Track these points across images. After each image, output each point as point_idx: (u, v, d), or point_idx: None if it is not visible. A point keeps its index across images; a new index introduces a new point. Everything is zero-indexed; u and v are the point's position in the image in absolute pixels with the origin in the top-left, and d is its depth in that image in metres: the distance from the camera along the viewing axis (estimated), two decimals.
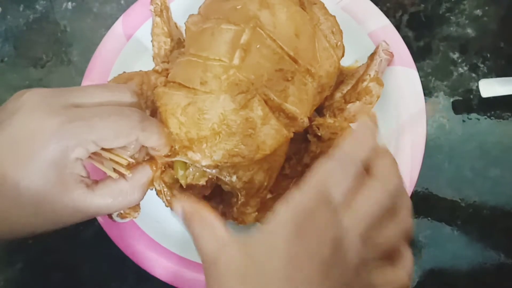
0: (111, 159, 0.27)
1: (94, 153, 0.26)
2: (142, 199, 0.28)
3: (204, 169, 0.28)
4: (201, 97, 0.28)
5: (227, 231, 0.22)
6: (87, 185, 0.26)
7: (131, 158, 0.27)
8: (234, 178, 0.28)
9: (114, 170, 0.27)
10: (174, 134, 0.29)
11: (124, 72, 0.37)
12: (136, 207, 0.32)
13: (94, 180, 0.27)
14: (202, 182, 0.29)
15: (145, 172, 0.28)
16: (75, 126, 0.24)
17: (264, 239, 0.21)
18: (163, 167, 0.29)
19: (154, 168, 0.28)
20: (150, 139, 0.27)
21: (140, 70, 0.37)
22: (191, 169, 0.28)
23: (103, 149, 0.26)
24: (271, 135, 0.29)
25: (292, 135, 0.30)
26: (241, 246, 0.21)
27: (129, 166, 0.27)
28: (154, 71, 0.37)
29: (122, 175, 0.27)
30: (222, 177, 0.28)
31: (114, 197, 0.26)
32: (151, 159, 0.29)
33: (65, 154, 0.24)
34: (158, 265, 0.34)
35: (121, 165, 0.26)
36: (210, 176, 0.29)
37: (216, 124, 0.28)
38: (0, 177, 0.23)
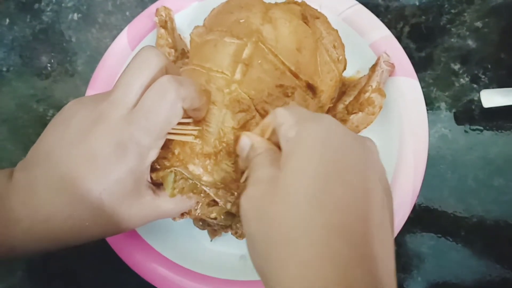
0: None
1: None
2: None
3: (204, 187, 0.27)
4: None
5: None
6: (153, 190, 0.26)
7: None
8: (228, 205, 0.27)
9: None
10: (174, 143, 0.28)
11: None
12: None
13: (156, 186, 0.27)
14: (189, 196, 0.28)
15: None
16: (143, 134, 0.24)
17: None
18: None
19: None
20: (193, 101, 0.25)
21: None
22: (180, 182, 0.28)
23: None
24: None
25: None
26: None
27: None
28: None
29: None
30: (217, 199, 0.27)
31: (176, 203, 0.27)
32: None
33: (142, 160, 0.24)
34: (159, 275, 0.33)
35: (188, 135, 0.26)
36: (202, 195, 0.28)
37: (217, 140, 0.27)
38: (80, 188, 0.23)
